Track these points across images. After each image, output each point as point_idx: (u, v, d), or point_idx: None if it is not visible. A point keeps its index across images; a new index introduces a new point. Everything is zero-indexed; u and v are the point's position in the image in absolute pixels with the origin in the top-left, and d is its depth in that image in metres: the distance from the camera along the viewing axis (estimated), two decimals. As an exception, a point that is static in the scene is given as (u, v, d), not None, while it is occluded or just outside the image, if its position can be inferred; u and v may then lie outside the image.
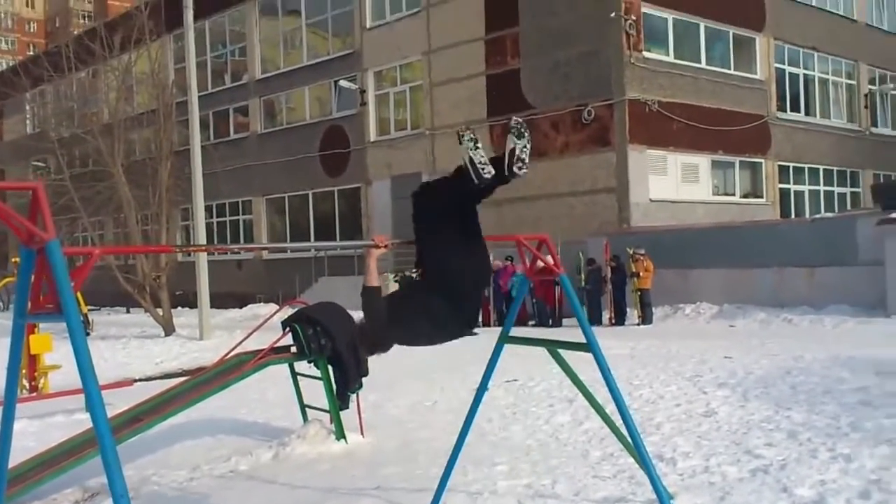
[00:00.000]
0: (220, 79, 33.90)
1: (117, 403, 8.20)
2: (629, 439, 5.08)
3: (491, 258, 20.79)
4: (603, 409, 5.56)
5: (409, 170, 25.92)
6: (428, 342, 4.68)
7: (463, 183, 4.34)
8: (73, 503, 6.25)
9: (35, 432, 8.67)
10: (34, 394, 10.91)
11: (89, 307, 24.31)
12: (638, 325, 18.40)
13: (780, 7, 26.03)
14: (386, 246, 4.62)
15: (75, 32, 37.96)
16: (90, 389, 3.30)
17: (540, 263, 5.33)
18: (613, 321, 18.95)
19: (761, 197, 25.33)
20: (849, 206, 27.72)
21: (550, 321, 19.29)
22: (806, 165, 26.98)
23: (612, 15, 21.21)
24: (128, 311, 31.19)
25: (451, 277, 4.42)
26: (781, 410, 7.80)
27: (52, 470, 6.10)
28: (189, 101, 21.21)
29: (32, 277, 3.72)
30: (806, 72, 27.62)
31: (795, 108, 26.95)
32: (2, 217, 3.50)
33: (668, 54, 22.76)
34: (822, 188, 27.75)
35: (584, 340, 4.98)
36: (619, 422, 5.23)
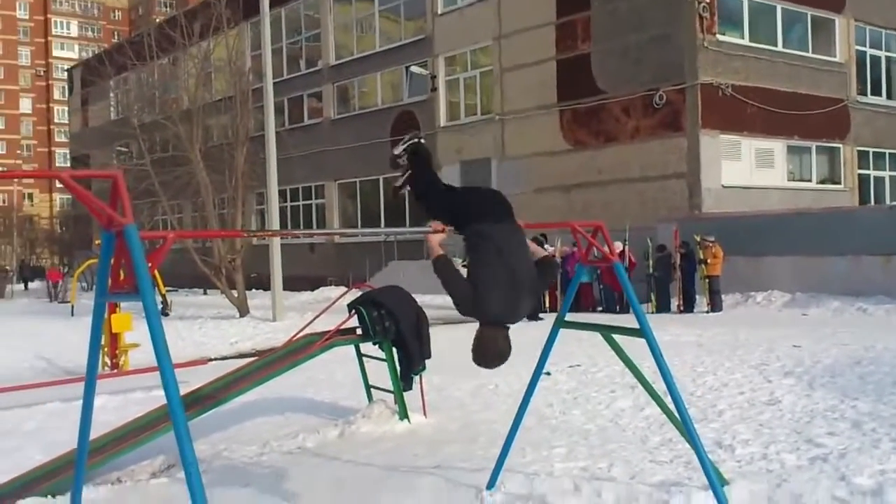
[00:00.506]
0: (295, 65, 34.48)
1: (192, 381, 8.55)
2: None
3: (559, 244, 20.78)
4: (658, 394, 5.61)
5: (479, 155, 26.03)
6: (510, 275, 4.51)
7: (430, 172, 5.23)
8: (150, 474, 6.53)
9: (115, 407, 9.03)
10: (115, 370, 11.41)
11: (168, 288, 25.10)
12: (707, 312, 18.20)
13: (860, -13, 25.26)
14: (443, 230, 4.77)
15: (157, 21, 38.95)
16: (164, 365, 3.50)
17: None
18: (682, 308, 18.79)
19: (839, 183, 24.69)
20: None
21: (618, 307, 19.23)
22: (887, 150, 26.16)
23: (686, -3, 20.92)
24: (205, 293, 32.09)
25: (483, 205, 4.80)
26: (847, 400, 7.72)
27: (131, 442, 6.39)
28: (265, 88, 21.65)
29: (112, 259, 3.94)
30: (889, 54, 26.76)
31: (877, 92, 26.15)
32: (85, 202, 3.74)
33: (742, 37, 22.32)
34: (903, 174, 26.94)
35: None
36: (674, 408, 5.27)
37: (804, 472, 5.70)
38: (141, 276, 3.56)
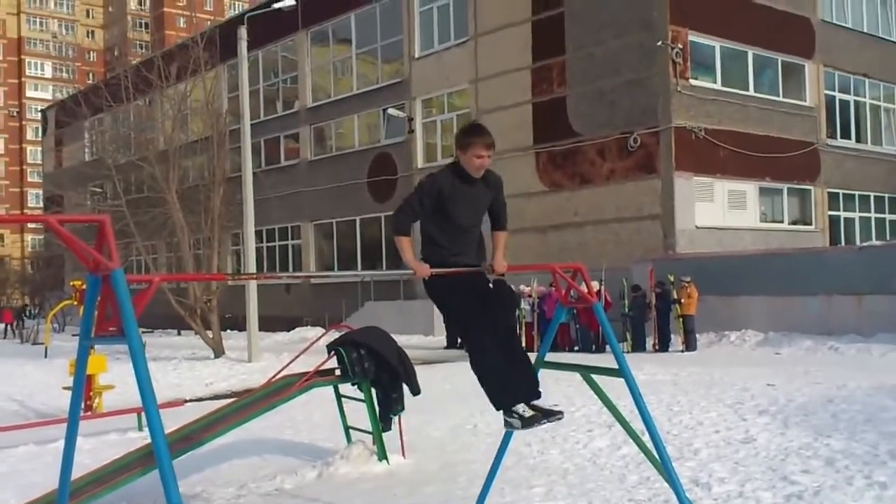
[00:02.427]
0: (272, 107, 34.64)
1: (169, 422, 8.48)
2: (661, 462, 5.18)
3: (535, 283, 20.87)
4: (635, 432, 5.66)
5: (456, 196, 26.13)
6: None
7: None
8: (127, 516, 6.50)
9: (90, 449, 8.91)
10: (88, 412, 11.28)
11: (142, 329, 24.82)
12: (682, 351, 18.35)
13: (829, 34, 25.91)
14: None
15: (133, 62, 39.05)
16: (149, 406, 3.51)
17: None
18: (657, 347, 18.92)
19: (810, 224, 25.12)
20: (901, 234, 27.39)
21: (594, 347, 19.32)
22: (856, 192, 26.69)
23: (659, 43, 21.35)
24: (179, 334, 31.79)
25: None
26: (821, 438, 7.82)
27: (107, 485, 6.30)
28: (242, 129, 21.74)
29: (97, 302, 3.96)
30: (857, 98, 27.41)
31: (846, 135, 26.73)
32: (72, 247, 3.76)
33: (715, 82, 22.81)
34: (872, 215, 27.40)
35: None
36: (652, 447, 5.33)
37: (780, 509, 5.77)
38: (127, 320, 3.58)
